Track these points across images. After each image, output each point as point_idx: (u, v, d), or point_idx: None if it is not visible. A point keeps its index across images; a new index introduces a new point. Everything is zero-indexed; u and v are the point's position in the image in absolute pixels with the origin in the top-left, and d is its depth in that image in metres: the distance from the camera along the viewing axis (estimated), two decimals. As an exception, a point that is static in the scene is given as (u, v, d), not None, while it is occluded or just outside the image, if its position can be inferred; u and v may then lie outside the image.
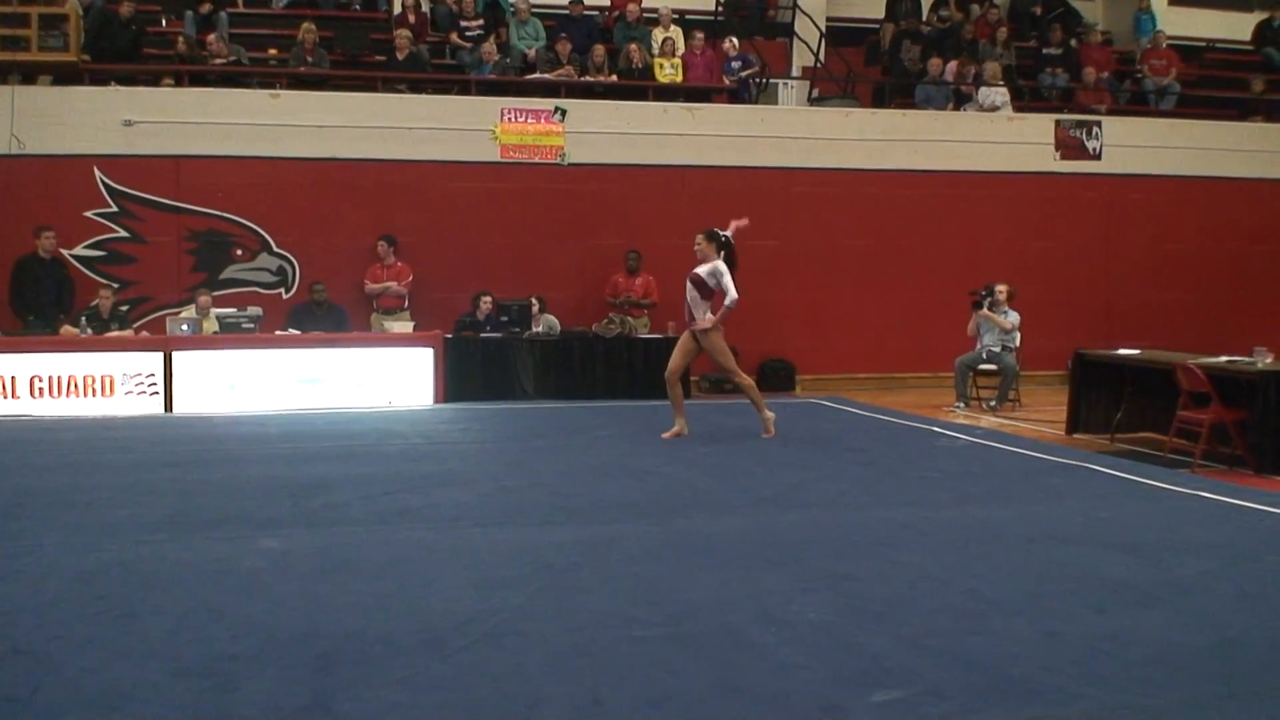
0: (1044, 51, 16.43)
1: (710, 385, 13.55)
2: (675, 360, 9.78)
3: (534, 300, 12.95)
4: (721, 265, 9.41)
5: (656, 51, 14.65)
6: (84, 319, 11.83)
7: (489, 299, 12.76)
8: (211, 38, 13.46)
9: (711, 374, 13.60)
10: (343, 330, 12.52)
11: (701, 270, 9.46)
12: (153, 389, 11.46)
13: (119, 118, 12.72)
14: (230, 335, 11.95)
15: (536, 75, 14.18)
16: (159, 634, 4.41)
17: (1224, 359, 9.15)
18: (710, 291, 9.48)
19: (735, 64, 14.92)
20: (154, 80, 13.33)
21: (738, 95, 14.80)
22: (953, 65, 15.40)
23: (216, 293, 12.69)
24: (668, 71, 14.54)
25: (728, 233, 9.59)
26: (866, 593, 4.98)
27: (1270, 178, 15.60)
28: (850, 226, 14.49)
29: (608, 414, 11.39)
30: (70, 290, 12.23)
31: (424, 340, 12.24)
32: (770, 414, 9.83)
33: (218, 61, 13.43)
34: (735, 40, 15.18)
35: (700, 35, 14.87)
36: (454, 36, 14.71)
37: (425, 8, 14.81)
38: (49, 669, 4.03)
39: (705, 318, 9.52)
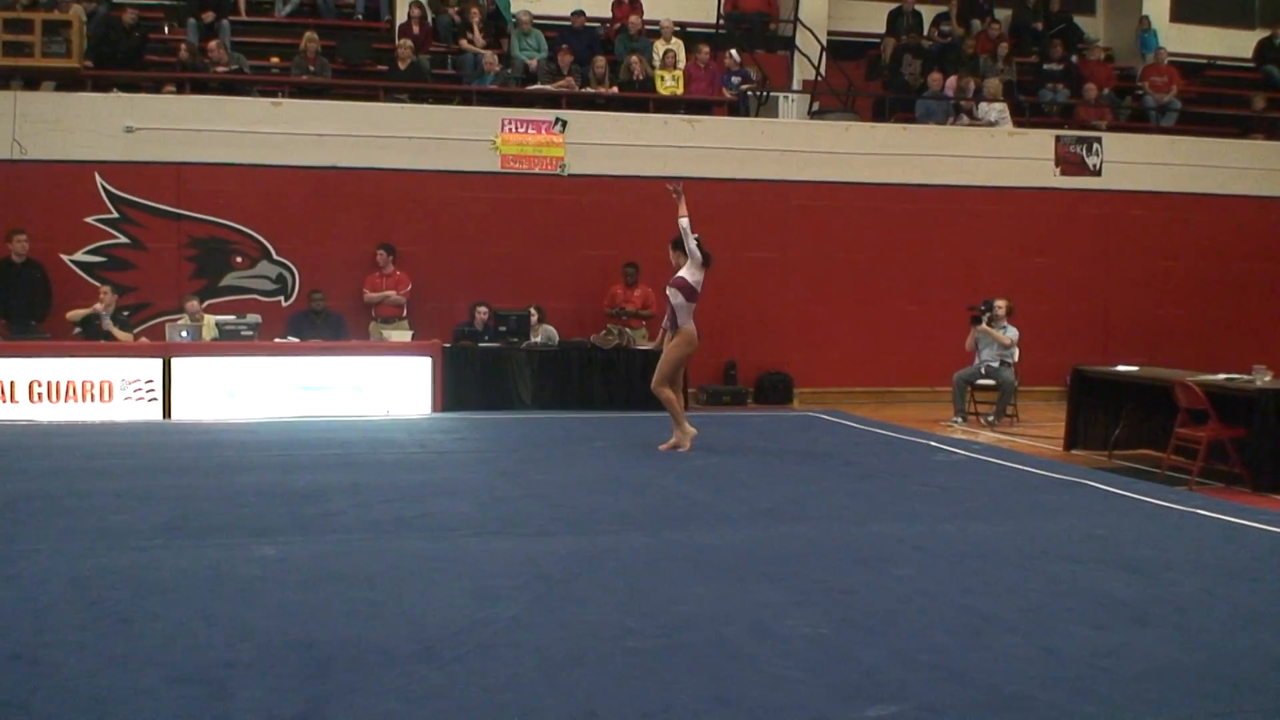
0: (1045, 67, 16.46)
1: (708, 397, 13.55)
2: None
3: (533, 310, 12.95)
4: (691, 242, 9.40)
5: (657, 64, 14.68)
6: (93, 319, 11.83)
7: (485, 309, 12.76)
8: (213, 45, 13.49)
9: (709, 385, 13.63)
10: (341, 338, 12.52)
11: (684, 272, 9.46)
12: (151, 395, 11.46)
13: (121, 124, 12.73)
14: (229, 342, 11.94)
15: (537, 86, 14.21)
16: (154, 640, 4.41)
17: (1222, 376, 9.16)
18: (695, 294, 9.48)
19: (735, 79, 14.96)
20: (156, 87, 13.35)
21: (737, 108, 14.84)
22: (953, 80, 15.44)
23: (216, 300, 12.72)
24: (668, 84, 14.57)
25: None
26: (862, 607, 4.98)
27: (1270, 195, 15.62)
28: (849, 240, 14.50)
29: (605, 425, 11.39)
30: (45, 294, 12.21)
31: (422, 349, 12.24)
32: (692, 429, 9.65)
33: (219, 69, 13.44)
34: (735, 54, 15.20)
35: (706, 49, 14.90)
36: (464, 42, 14.74)
37: (429, 18, 14.83)
38: (44, 674, 4.03)
39: (688, 324, 9.51)
